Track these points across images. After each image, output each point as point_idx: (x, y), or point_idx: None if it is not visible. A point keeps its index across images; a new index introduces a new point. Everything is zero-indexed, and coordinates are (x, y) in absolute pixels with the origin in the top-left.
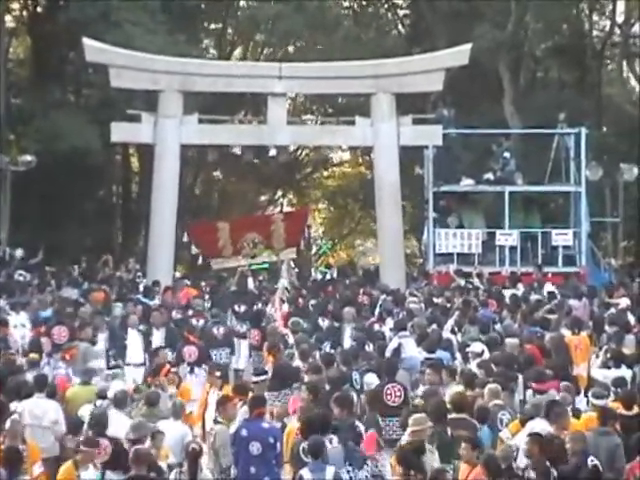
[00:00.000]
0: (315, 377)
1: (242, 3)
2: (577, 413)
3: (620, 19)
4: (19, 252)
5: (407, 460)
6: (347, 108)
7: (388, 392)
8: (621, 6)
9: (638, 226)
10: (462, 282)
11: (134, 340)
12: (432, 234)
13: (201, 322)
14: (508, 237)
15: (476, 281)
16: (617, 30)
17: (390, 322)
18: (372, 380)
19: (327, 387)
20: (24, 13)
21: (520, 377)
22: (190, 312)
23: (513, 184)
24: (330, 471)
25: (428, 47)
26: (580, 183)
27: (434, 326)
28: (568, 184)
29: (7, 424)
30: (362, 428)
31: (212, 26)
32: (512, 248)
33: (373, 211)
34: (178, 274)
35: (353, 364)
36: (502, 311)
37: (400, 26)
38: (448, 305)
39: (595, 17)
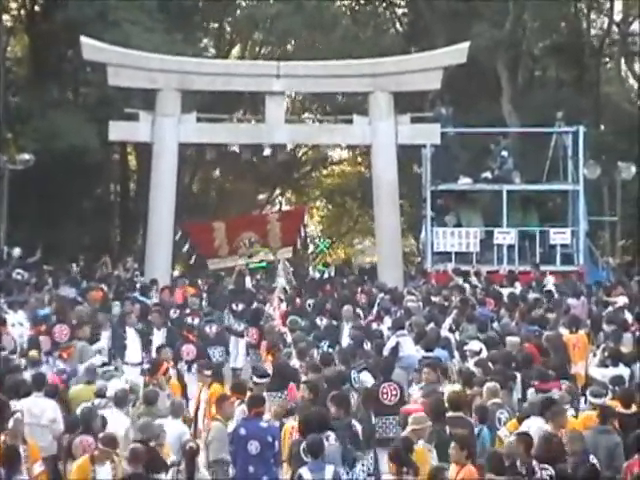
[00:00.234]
0: (314, 376)
1: (240, 2)
2: (577, 412)
3: (618, 17)
4: (17, 251)
5: (399, 457)
6: (345, 107)
7: (384, 391)
8: (619, 4)
9: (636, 225)
10: (460, 281)
11: (132, 339)
12: (430, 233)
13: (197, 321)
14: (506, 236)
15: (474, 280)
16: (615, 28)
17: (388, 321)
18: (366, 379)
19: (325, 386)
20: (22, 12)
21: (518, 376)
22: (187, 311)
23: (511, 183)
24: (329, 470)
25: (426, 46)
26: (578, 182)
27: (432, 325)
28: (566, 183)
29: (10, 423)
30: (359, 427)
31: (210, 25)
32: (510, 247)
33: (371, 210)
34: (176, 273)
35: (351, 363)
36: (500, 310)
37: (398, 25)
38: (446, 304)
39: (593, 16)
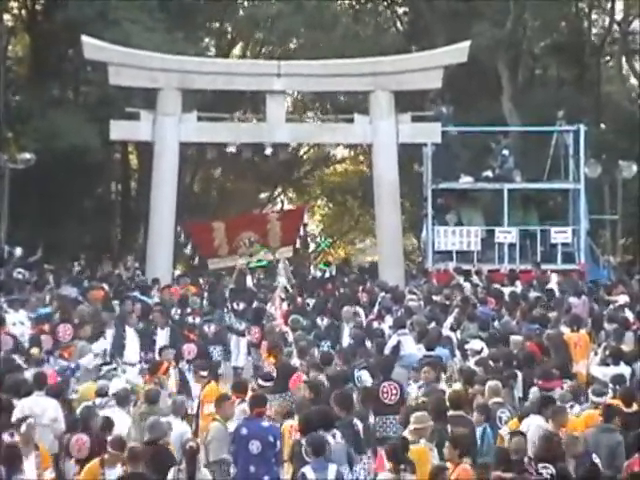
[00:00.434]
0: (316, 374)
1: (241, 1)
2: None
3: (619, 16)
4: (18, 251)
5: (396, 455)
6: (346, 106)
7: (384, 390)
8: (620, 3)
9: (637, 223)
10: (461, 280)
11: (131, 339)
12: (431, 232)
13: (198, 320)
14: (507, 235)
15: (475, 279)
16: (616, 27)
17: (389, 320)
18: (365, 378)
19: (327, 385)
20: (23, 11)
21: (519, 374)
22: (188, 310)
23: (512, 182)
24: (332, 469)
25: (427, 45)
26: (579, 180)
27: (433, 324)
28: (567, 181)
29: (22, 428)
30: (360, 426)
31: (211, 24)
32: (511, 245)
33: (372, 209)
34: (178, 272)
35: (352, 362)
36: (501, 308)
37: (399, 24)
38: (447, 302)
39: (594, 15)
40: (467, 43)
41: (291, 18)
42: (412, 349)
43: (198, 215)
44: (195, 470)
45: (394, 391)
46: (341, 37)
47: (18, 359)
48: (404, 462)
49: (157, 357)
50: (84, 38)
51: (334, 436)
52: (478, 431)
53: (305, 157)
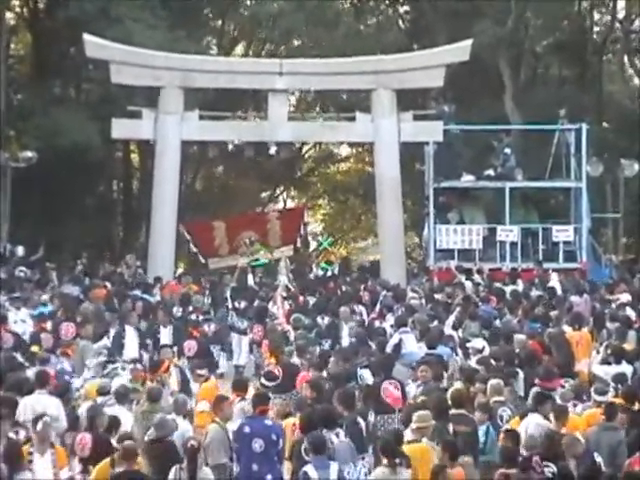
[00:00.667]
0: (316, 374)
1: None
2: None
3: (621, 15)
4: (20, 249)
5: (390, 449)
6: (348, 104)
7: (385, 388)
8: (622, 2)
9: (639, 222)
10: (463, 278)
11: (131, 338)
12: (432, 230)
13: (201, 318)
14: (509, 233)
15: (476, 277)
16: (618, 26)
17: (390, 318)
18: (366, 376)
19: (330, 384)
20: (24, 9)
21: (521, 373)
22: (190, 308)
23: (514, 180)
24: (334, 468)
25: (428, 43)
26: (581, 179)
27: (435, 322)
28: (569, 180)
29: (38, 426)
30: (363, 424)
31: (213, 22)
32: (513, 244)
33: (374, 207)
34: (180, 270)
35: (354, 360)
36: (503, 307)
37: (400, 22)
38: (449, 301)
39: (596, 14)
40: (469, 41)
41: (293, 16)
42: (413, 347)
43: (200, 214)
44: (196, 468)
45: (395, 390)
46: (343, 35)
47: (20, 357)
48: (399, 456)
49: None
50: (86, 36)
51: (337, 435)
52: (481, 430)
53: (307, 156)
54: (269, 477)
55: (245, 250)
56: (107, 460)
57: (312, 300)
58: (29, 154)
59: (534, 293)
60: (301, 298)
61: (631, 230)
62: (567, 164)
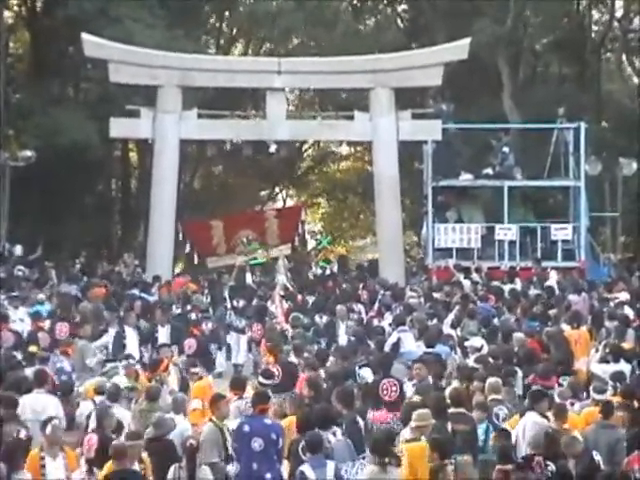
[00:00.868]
0: (311, 373)
1: None
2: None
3: (619, 14)
4: (18, 249)
5: (380, 448)
6: (346, 103)
7: (384, 387)
8: (620, 1)
9: (637, 221)
10: (461, 277)
11: (131, 337)
12: (431, 229)
13: (200, 316)
14: (507, 232)
15: (475, 276)
16: (616, 24)
17: (389, 317)
18: (367, 374)
19: (329, 382)
20: (23, 8)
21: (519, 371)
22: (189, 307)
23: (512, 179)
24: (331, 467)
25: (427, 42)
26: (579, 178)
27: (434, 321)
28: (567, 179)
29: (47, 429)
30: (362, 423)
31: (211, 21)
32: (511, 243)
33: (372, 206)
34: (178, 269)
35: (352, 359)
36: (502, 306)
37: (399, 21)
38: (448, 300)
39: (595, 13)
40: (467, 40)
41: (292, 15)
42: (412, 346)
43: (198, 212)
44: (195, 467)
45: (394, 388)
46: (341, 34)
47: (19, 356)
48: (388, 455)
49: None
50: (84, 35)
51: (334, 434)
52: (480, 428)
53: (306, 154)
54: (268, 476)
55: (243, 249)
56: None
57: (311, 299)
58: (28, 153)
59: (532, 292)
60: (300, 297)
61: (629, 229)
62: (566, 163)
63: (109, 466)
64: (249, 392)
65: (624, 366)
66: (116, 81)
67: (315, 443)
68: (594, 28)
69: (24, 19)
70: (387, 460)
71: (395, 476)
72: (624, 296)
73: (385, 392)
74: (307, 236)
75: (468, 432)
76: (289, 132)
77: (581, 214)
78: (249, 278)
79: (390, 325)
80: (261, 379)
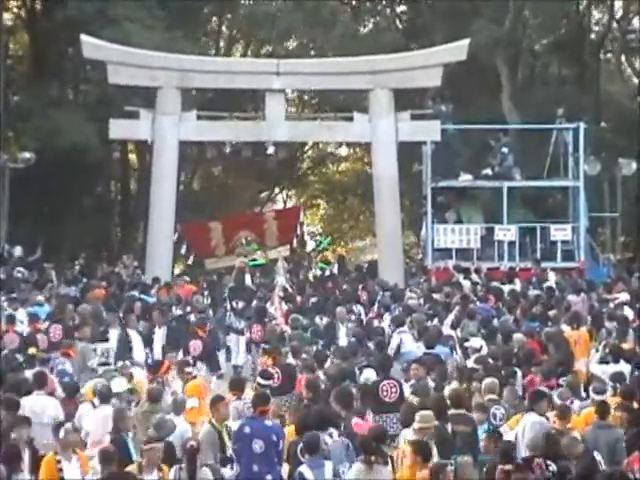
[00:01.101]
0: (311, 375)
1: (241, 0)
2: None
3: (619, 14)
4: (17, 250)
5: (369, 446)
6: (345, 104)
7: (384, 388)
8: (619, 2)
9: (636, 221)
10: (460, 278)
11: (135, 340)
12: (430, 229)
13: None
14: (507, 232)
15: (474, 276)
16: (615, 25)
17: (388, 318)
18: (370, 375)
19: (327, 383)
20: (22, 10)
21: (519, 372)
22: (189, 308)
23: (511, 179)
24: (329, 467)
25: (426, 43)
26: (578, 178)
27: (435, 321)
28: (566, 179)
29: (60, 434)
30: None
31: (210, 23)
32: (511, 243)
33: (372, 207)
34: (177, 270)
35: (352, 360)
36: (502, 306)
37: (398, 22)
38: (447, 300)
39: (596, 13)
40: (466, 41)
41: (291, 16)
42: (412, 347)
43: (197, 214)
44: (196, 469)
45: (393, 389)
46: (340, 35)
47: (21, 358)
48: (375, 453)
49: (154, 356)
50: (83, 37)
51: (331, 435)
52: (481, 429)
53: (305, 156)
54: (269, 477)
55: (242, 250)
56: (134, 465)
57: (312, 300)
58: (27, 155)
59: (532, 292)
60: (299, 298)
61: (629, 229)
62: (565, 163)
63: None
64: (248, 393)
65: (624, 367)
66: (115, 82)
67: (313, 444)
68: (593, 29)
69: (24, 21)
70: (373, 459)
71: (382, 475)
72: (624, 297)
73: (385, 393)
74: (306, 237)
75: (469, 433)
76: (288, 133)
77: (580, 214)
78: (248, 279)
79: (389, 326)
80: (260, 380)
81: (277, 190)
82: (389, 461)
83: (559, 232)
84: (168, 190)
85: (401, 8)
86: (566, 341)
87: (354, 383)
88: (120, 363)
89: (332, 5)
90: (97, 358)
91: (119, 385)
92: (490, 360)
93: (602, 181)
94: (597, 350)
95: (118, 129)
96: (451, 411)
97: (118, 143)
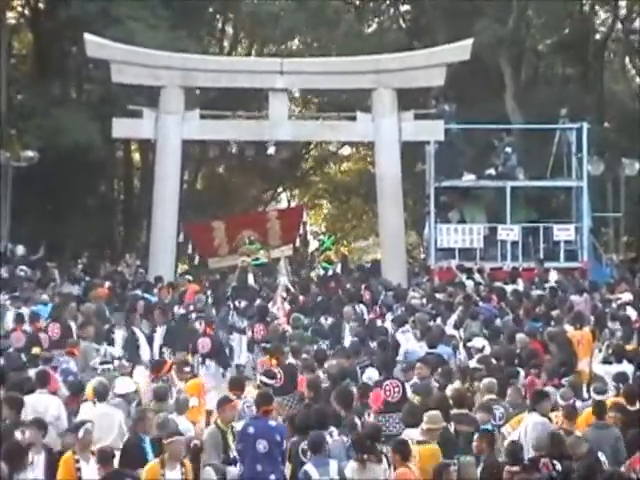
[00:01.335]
0: (309, 375)
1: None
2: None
3: (622, 14)
4: (20, 249)
5: (362, 445)
6: (348, 103)
7: (387, 388)
8: (623, 1)
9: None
10: (463, 277)
11: (141, 339)
12: (433, 229)
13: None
14: (510, 232)
15: (477, 276)
16: (619, 25)
17: (390, 317)
18: (373, 375)
19: (329, 383)
20: (26, 9)
21: (522, 372)
22: (191, 307)
23: (515, 179)
24: (334, 466)
25: (429, 42)
26: (582, 178)
27: (438, 321)
28: (570, 179)
29: (80, 434)
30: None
31: (214, 22)
32: (514, 243)
33: (375, 207)
34: (180, 269)
35: (354, 359)
36: (505, 306)
37: (401, 21)
38: (451, 300)
39: (601, 13)
40: (470, 41)
41: (294, 16)
42: (414, 346)
43: (201, 213)
44: (199, 468)
45: (396, 389)
46: (344, 35)
47: (24, 357)
48: (368, 452)
49: (154, 355)
50: (87, 36)
51: (331, 434)
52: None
53: (308, 155)
54: (273, 477)
55: (245, 250)
56: (156, 460)
57: (317, 300)
58: (30, 153)
59: (534, 292)
60: (301, 298)
61: (632, 229)
62: (568, 163)
63: (154, 467)
64: (249, 392)
65: (627, 367)
66: (118, 81)
67: (317, 443)
68: (597, 29)
69: (27, 19)
70: (367, 457)
71: (375, 473)
72: (627, 297)
73: (388, 393)
74: (309, 237)
75: (471, 433)
76: (291, 133)
77: (584, 214)
78: (251, 279)
79: (392, 327)
80: (263, 379)
81: (280, 189)
82: (383, 459)
83: (562, 232)
84: (171, 189)
85: (405, 8)
86: (569, 341)
87: (355, 382)
88: (117, 362)
89: (336, 5)
90: (99, 358)
91: (126, 386)
92: (493, 360)
93: (605, 181)
94: (600, 350)
95: (121, 128)
96: (454, 411)
97: (121, 142)
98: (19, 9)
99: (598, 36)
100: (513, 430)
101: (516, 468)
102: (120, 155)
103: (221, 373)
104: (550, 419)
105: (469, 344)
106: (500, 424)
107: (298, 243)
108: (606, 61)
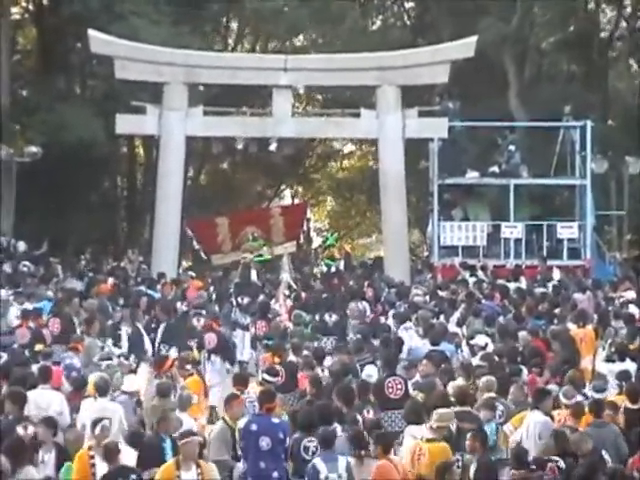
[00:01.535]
0: (309, 372)
1: None
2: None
3: (627, 13)
4: (21, 245)
5: (358, 440)
6: (352, 100)
7: (389, 385)
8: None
9: None
10: (467, 275)
11: (145, 335)
12: (437, 227)
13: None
14: (513, 230)
15: (480, 274)
16: (624, 24)
17: (392, 314)
18: (372, 372)
19: (330, 380)
20: (30, 5)
21: (524, 370)
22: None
23: (518, 177)
24: (342, 462)
25: (434, 39)
26: (585, 176)
27: (441, 318)
28: (573, 177)
29: (97, 430)
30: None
31: (217, 18)
32: (517, 241)
33: (378, 204)
34: (183, 266)
35: (356, 356)
36: (508, 304)
37: (406, 18)
38: (454, 297)
39: (608, 10)
40: (474, 38)
41: (298, 12)
42: (417, 343)
43: (204, 209)
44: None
45: (399, 386)
46: (348, 32)
47: (27, 353)
48: (365, 447)
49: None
50: (90, 32)
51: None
52: (489, 428)
53: (312, 152)
54: (275, 474)
55: (248, 246)
56: (172, 461)
57: (318, 297)
58: (34, 149)
59: (538, 290)
60: (304, 294)
61: (635, 227)
62: (572, 161)
63: (169, 466)
64: (252, 389)
65: (630, 365)
66: (122, 78)
67: (328, 439)
68: (602, 27)
69: (32, 15)
70: (364, 453)
71: (372, 469)
72: (630, 295)
73: (391, 390)
74: (313, 234)
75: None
76: (295, 129)
77: (587, 212)
78: (254, 275)
79: (394, 325)
80: (266, 376)
81: (284, 186)
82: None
83: (566, 230)
84: (175, 185)
85: (409, 5)
86: (572, 339)
87: (357, 379)
88: (116, 360)
89: (340, 1)
90: (99, 354)
91: (131, 383)
92: (495, 357)
93: (609, 179)
94: (603, 348)
95: (125, 124)
96: (456, 408)
97: (125, 138)
98: (23, 4)
99: (603, 34)
100: (515, 428)
101: (522, 472)
102: (124, 151)
103: (226, 369)
104: (552, 417)
105: (472, 342)
106: (501, 422)
107: (302, 240)
108: (610, 59)
